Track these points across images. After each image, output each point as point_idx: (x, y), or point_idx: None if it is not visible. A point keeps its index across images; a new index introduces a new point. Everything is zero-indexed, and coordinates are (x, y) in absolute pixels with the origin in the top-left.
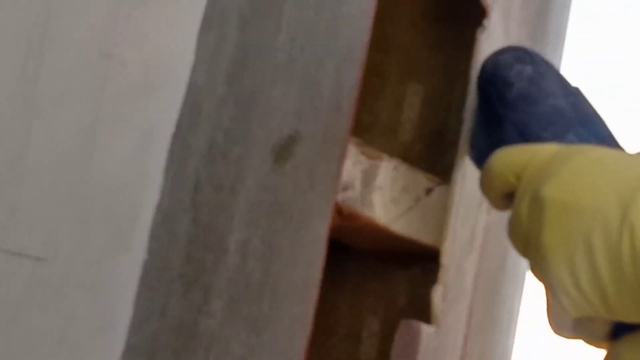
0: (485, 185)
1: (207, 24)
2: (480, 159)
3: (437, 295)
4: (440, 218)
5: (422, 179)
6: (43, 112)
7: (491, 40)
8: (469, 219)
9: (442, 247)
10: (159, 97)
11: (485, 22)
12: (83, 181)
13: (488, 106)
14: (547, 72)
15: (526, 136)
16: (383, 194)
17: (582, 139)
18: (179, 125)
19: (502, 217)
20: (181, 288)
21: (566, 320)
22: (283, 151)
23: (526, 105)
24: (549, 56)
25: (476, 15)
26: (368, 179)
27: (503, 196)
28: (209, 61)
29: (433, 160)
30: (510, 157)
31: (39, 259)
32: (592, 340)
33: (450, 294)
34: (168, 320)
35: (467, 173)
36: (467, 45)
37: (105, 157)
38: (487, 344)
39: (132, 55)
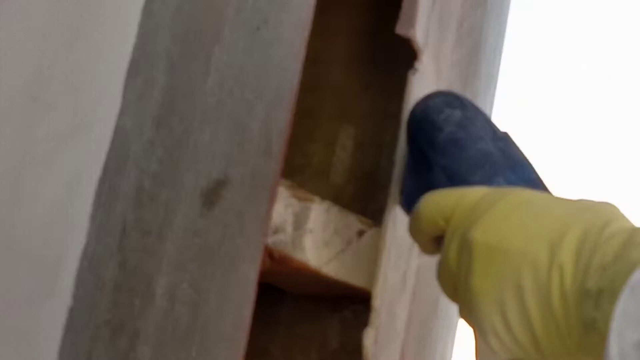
0: (414, 229)
1: (135, 68)
2: (408, 203)
3: (369, 338)
4: (372, 261)
5: (354, 222)
6: None
7: (422, 82)
8: (401, 262)
9: (374, 290)
10: (86, 141)
11: (417, 65)
12: (7, 225)
13: (417, 150)
14: (476, 117)
15: (455, 180)
16: (314, 237)
17: (511, 183)
18: (106, 169)
19: (434, 261)
20: (108, 334)
21: None
22: (212, 195)
23: (455, 149)
24: (481, 97)
25: (408, 57)
26: (299, 221)
27: (432, 240)
28: (137, 105)
29: (365, 202)
30: (439, 200)
31: None
32: None
33: (381, 337)
34: None
35: (399, 216)
36: (399, 87)
37: (30, 201)
38: None
39: (60, 98)
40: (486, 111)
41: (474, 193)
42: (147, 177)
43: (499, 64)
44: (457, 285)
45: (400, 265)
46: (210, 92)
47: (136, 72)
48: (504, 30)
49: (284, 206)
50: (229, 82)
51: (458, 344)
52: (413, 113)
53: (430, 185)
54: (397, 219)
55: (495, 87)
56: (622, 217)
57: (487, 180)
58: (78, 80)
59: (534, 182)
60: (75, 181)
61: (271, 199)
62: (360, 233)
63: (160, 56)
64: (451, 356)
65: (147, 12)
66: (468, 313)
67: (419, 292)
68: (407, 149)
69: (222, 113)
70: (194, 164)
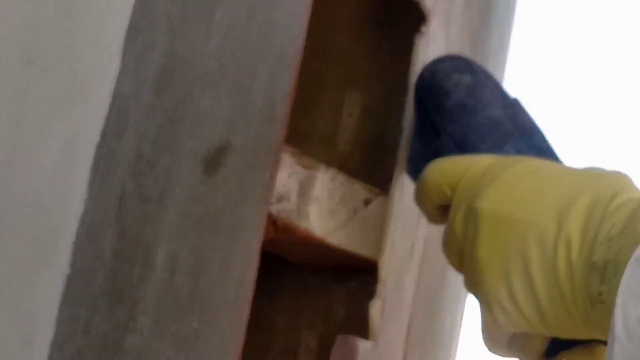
0: (420, 197)
1: (134, 30)
2: (415, 170)
3: (375, 310)
4: (379, 230)
5: (360, 190)
6: None
7: (431, 45)
8: (408, 231)
9: (380, 261)
10: (83, 106)
11: (424, 28)
12: (2, 193)
13: (425, 116)
14: (485, 82)
15: (463, 147)
16: (320, 206)
17: (520, 151)
18: (104, 135)
19: (442, 230)
20: (106, 304)
21: (501, 337)
22: (213, 161)
23: (463, 115)
24: (491, 60)
25: (416, 20)
26: (304, 190)
27: (438, 209)
28: (136, 68)
29: (372, 170)
30: (446, 168)
31: None
32: (527, 357)
33: (388, 308)
34: (92, 337)
35: (406, 184)
36: (407, 51)
37: (26, 168)
38: (428, 359)
39: (56, 61)
40: (498, 76)
41: (481, 161)
42: (146, 142)
43: (511, 26)
44: (462, 256)
45: (408, 235)
46: (212, 55)
47: (135, 34)
48: None
49: (288, 174)
50: (231, 44)
51: (468, 316)
52: (421, 77)
53: (437, 152)
54: (405, 188)
55: (507, 51)
56: (633, 187)
57: (495, 148)
58: (74, 43)
59: (544, 150)
60: (71, 147)
61: (275, 166)
62: (367, 202)
63: (161, 18)
64: (461, 327)
65: None
66: (473, 284)
67: (427, 263)
68: (414, 115)
69: (224, 77)
70: (195, 130)
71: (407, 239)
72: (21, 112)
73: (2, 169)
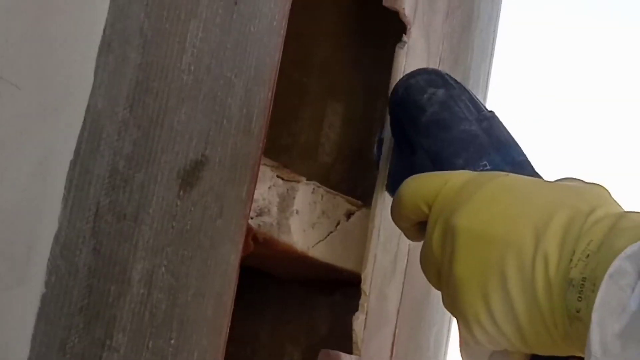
0: (396, 214)
1: (107, 45)
2: (393, 186)
3: (359, 323)
4: (361, 243)
5: (342, 203)
6: None
7: (412, 56)
8: (391, 244)
9: (363, 273)
10: (56, 122)
11: (405, 38)
12: None
13: (401, 131)
14: (460, 96)
15: (438, 163)
16: (301, 219)
17: (496, 165)
18: (78, 151)
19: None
20: (82, 322)
21: (481, 355)
22: (190, 177)
23: (438, 131)
24: (473, 70)
25: (397, 30)
26: (285, 203)
27: (415, 226)
28: (109, 84)
29: (354, 182)
30: (421, 184)
31: None
32: None
33: (372, 321)
34: (68, 356)
35: (388, 196)
36: (388, 62)
37: (3, 187)
38: None
39: (27, 78)
40: (481, 86)
41: (457, 177)
42: (121, 158)
43: (495, 35)
44: (440, 273)
45: (391, 248)
46: (186, 70)
47: (108, 49)
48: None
49: (268, 187)
50: (206, 59)
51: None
52: (395, 92)
53: (414, 168)
54: (387, 199)
55: (491, 60)
56: (611, 201)
57: (471, 163)
58: (46, 59)
59: (520, 164)
60: (45, 164)
61: (253, 180)
62: (349, 214)
63: (134, 33)
64: (447, 340)
65: None
66: (452, 302)
67: (411, 275)
68: (390, 130)
69: (199, 91)
70: (171, 145)
71: (390, 251)
72: None
73: None
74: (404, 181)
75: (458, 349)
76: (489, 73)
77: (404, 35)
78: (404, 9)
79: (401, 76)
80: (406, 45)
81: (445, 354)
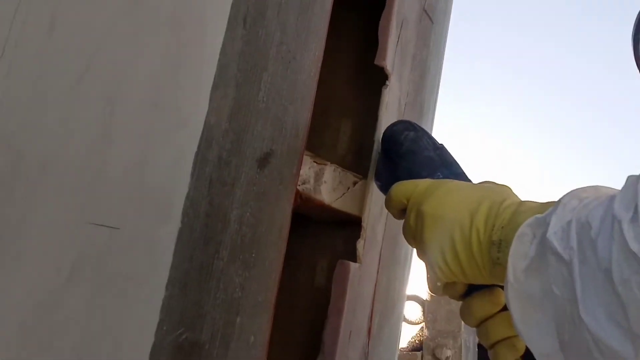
0: (388, 204)
1: (216, 86)
2: (384, 188)
3: (360, 245)
4: (362, 199)
5: (350, 177)
6: (121, 147)
7: (391, 92)
8: (379, 200)
9: (363, 217)
10: (187, 131)
11: (387, 82)
12: (142, 181)
13: (388, 156)
14: (422, 135)
15: (412, 175)
16: (327, 186)
17: (445, 176)
18: (199, 147)
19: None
20: (202, 243)
21: (438, 284)
22: (263, 161)
23: (411, 156)
24: (426, 102)
25: (382, 77)
26: (318, 176)
27: (399, 211)
28: (217, 108)
29: (357, 165)
30: (403, 188)
31: (115, 228)
32: (454, 296)
33: (368, 244)
34: (194, 263)
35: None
36: (377, 95)
37: (157, 167)
38: (391, 275)
39: (170, 104)
40: (431, 110)
41: (423, 183)
42: (224, 151)
43: (438, 83)
44: (415, 238)
45: (379, 202)
46: (261, 100)
47: (216, 89)
48: (441, 64)
49: (308, 167)
50: (272, 94)
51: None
52: (385, 133)
53: (396, 177)
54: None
55: (436, 97)
56: (514, 194)
57: (430, 175)
58: (181, 94)
59: (459, 175)
60: (180, 154)
61: (299, 163)
62: (355, 183)
63: (231, 79)
64: (412, 256)
65: (223, 53)
66: (421, 254)
67: (390, 219)
68: (381, 155)
69: (268, 113)
70: (252, 143)
71: (378, 204)
72: (151, 134)
73: (141, 166)
74: (392, 186)
75: (425, 280)
76: (435, 102)
77: (387, 80)
78: (386, 65)
79: (385, 104)
80: (388, 86)
81: (410, 265)
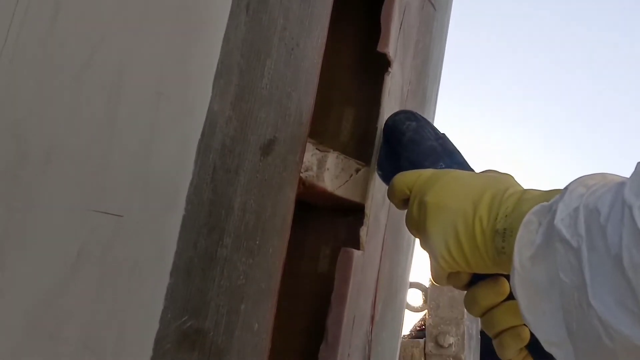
0: (391, 195)
1: (219, 74)
2: (386, 178)
3: (363, 232)
4: (365, 186)
5: (353, 164)
6: (125, 136)
7: (393, 80)
8: (382, 187)
9: (366, 204)
10: (190, 118)
11: (390, 69)
12: (147, 169)
13: (390, 146)
14: (425, 125)
15: (414, 165)
16: (330, 173)
17: (448, 166)
18: (203, 134)
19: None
20: (206, 231)
21: (442, 275)
22: (267, 148)
23: (413, 146)
24: (429, 90)
25: (385, 64)
26: (321, 164)
27: (402, 201)
28: (221, 95)
29: (360, 152)
30: (405, 177)
31: (119, 216)
32: (458, 286)
33: (371, 231)
34: (198, 250)
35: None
36: (380, 83)
37: (161, 154)
38: (394, 262)
39: (175, 93)
40: (433, 98)
41: (425, 173)
42: (227, 138)
43: (440, 71)
44: (418, 228)
45: (382, 190)
46: (264, 87)
47: (220, 76)
48: (443, 51)
49: (311, 154)
50: (275, 81)
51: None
52: (386, 124)
53: (399, 167)
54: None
55: (438, 85)
56: (517, 183)
57: (433, 165)
58: (186, 81)
59: (462, 164)
60: (185, 142)
61: (302, 150)
62: (357, 170)
63: (234, 67)
64: (414, 243)
65: (226, 40)
66: (424, 244)
67: (393, 206)
68: (383, 145)
69: (271, 100)
70: (256, 130)
71: (381, 191)
72: (155, 122)
73: (145, 154)
74: (394, 176)
75: (429, 270)
76: (437, 90)
77: (389, 67)
78: (389, 52)
79: (387, 91)
80: (390, 73)
81: (413, 252)
